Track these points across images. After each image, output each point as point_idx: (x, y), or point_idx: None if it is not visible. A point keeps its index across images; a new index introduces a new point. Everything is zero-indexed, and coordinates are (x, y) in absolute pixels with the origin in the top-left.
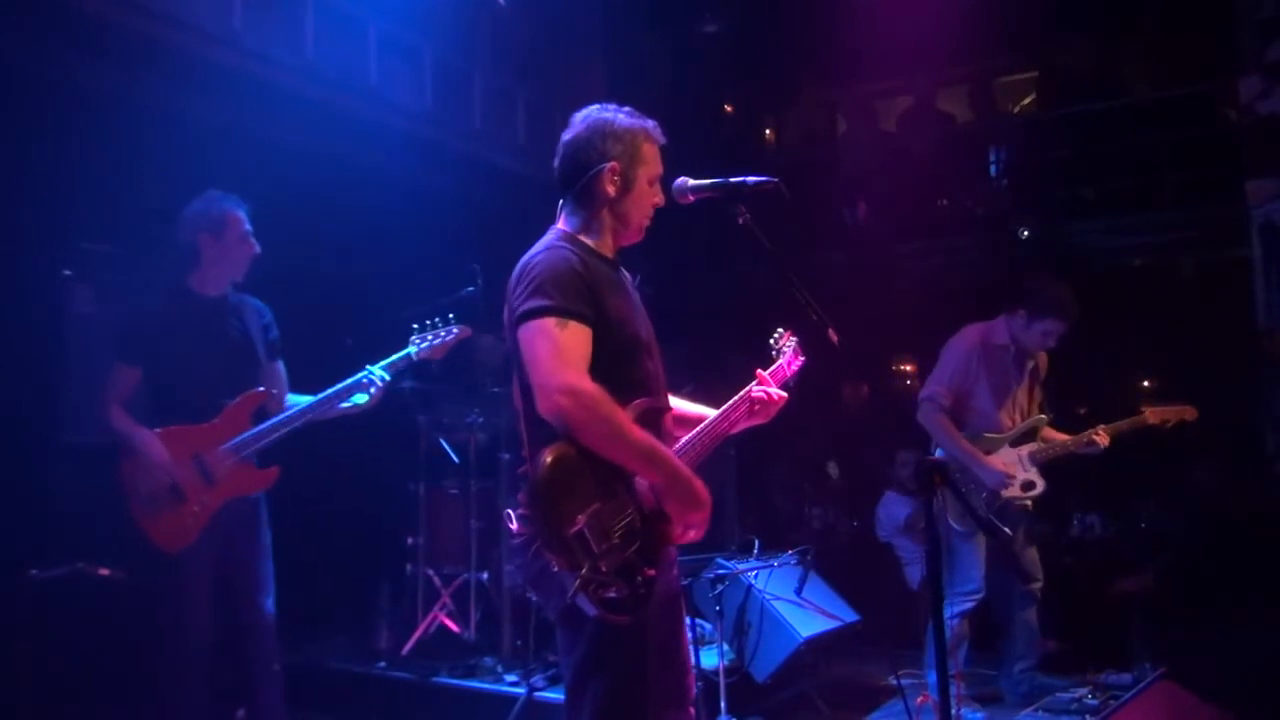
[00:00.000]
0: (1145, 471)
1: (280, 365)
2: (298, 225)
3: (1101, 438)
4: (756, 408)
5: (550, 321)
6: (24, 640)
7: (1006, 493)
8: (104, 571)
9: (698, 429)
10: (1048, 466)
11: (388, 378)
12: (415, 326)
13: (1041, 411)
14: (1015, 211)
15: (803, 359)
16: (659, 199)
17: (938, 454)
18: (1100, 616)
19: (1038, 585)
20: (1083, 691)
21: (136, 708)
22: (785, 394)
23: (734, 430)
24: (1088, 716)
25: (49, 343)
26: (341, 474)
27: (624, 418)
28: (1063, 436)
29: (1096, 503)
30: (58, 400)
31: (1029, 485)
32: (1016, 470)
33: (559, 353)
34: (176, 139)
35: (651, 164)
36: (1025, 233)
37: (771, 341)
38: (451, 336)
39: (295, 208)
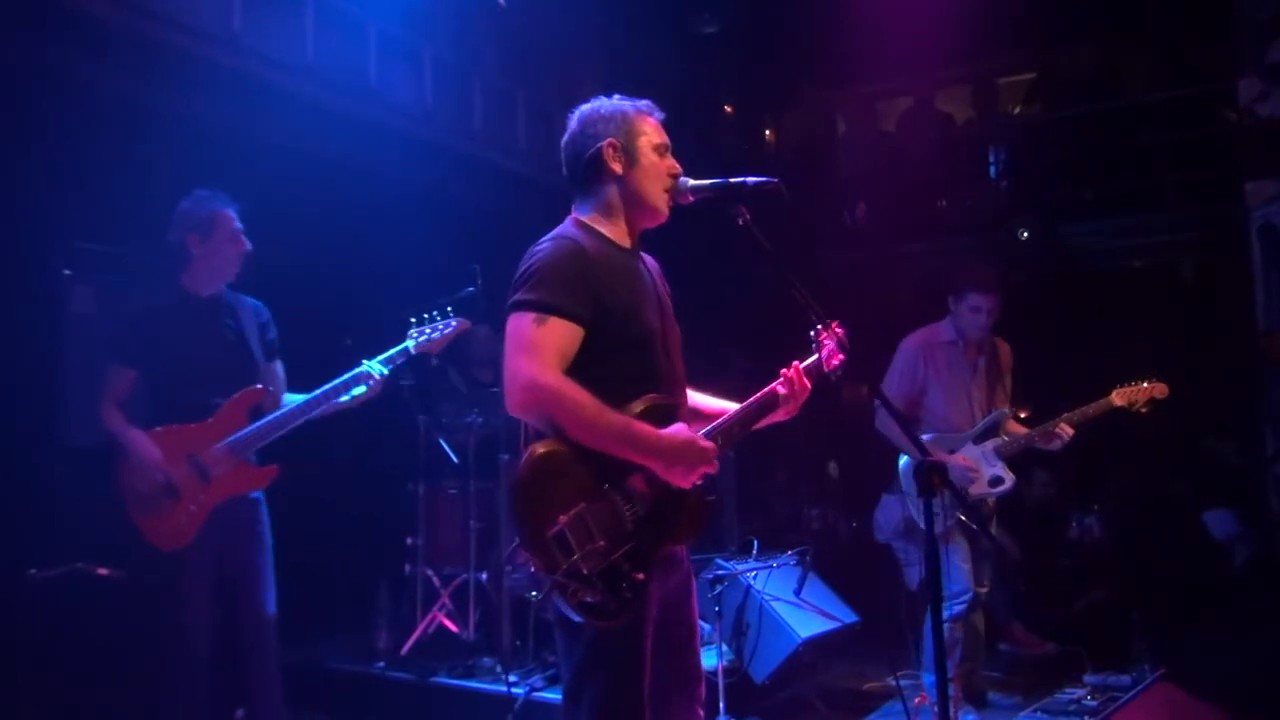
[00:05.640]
0: (1143, 472)
1: (278, 365)
2: (297, 225)
3: (1065, 429)
4: (786, 400)
5: (529, 317)
6: (24, 640)
7: (974, 489)
8: (102, 571)
9: (719, 421)
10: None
11: (386, 371)
12: (412, 320)
13: (1007, 405)
14: (1015, 212)
15: (843, 356)
16: (674, 167)
17: (903, 460)
18: (1099, 617)
19: (984, 590)
20: (1082, 693)
21: (136, 708)
22: (809, 386)
23: (761, 424)
24: (1087, 717)
25: (48, 343)
26: (341, 474)
27: (593, 406)
28: (1025, 430)
29: (1095, 504)
30: (57, 400)
31: (996, 480)
32: (981, 466)
33: (526, 348)
34: (176, 139)
35: (651, 133)
36: (1025, 234)
37: (811, 335)
38: (450, 329)
39: (294, 207)
